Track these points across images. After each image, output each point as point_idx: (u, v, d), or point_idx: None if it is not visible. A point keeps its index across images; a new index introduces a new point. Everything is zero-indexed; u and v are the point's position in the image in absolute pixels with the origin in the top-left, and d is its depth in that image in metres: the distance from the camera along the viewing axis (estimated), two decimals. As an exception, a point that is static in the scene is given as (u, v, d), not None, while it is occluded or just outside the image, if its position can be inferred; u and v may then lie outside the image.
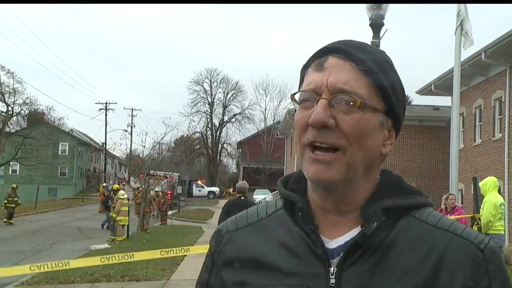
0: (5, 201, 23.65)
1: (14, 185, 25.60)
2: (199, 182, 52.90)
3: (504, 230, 8.86)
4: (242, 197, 7.62)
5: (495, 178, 8.84)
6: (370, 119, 0.91)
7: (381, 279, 0.88)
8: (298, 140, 0.94)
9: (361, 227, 0.93)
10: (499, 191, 8.73)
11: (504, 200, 15.94)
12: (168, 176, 30.44)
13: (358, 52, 0.93)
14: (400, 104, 0.97)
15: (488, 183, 8.46)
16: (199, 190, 50.84)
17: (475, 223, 8.67)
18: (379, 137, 0.94)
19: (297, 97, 0.96)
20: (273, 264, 0.94)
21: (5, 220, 23.22)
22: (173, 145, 46.74)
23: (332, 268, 0.91)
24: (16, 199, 24.05)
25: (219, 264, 1.02)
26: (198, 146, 64.38)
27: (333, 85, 0.90)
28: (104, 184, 36.00)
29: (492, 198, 8.27)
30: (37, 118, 48.05)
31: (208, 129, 63.10)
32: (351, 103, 0.89)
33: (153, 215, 26.99)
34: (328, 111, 0.89)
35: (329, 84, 0.90)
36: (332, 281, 0.90)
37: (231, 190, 48.74)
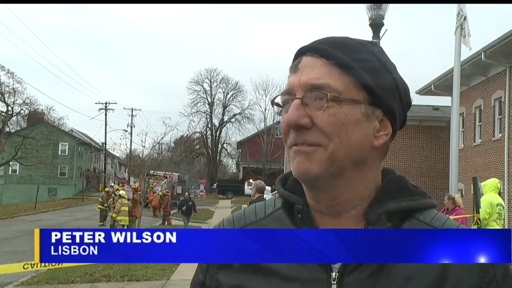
0: (106, 205, 22.91)
1: (107, 189, 25.44)
2: (250, 180, 53.16)
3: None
4: (265, 197, 7.66)
5: (497, 180, 8.81)
6: (348, 112, 0.88)
7: (384, 285, 0.86)
8: (285, 143, 0.93)
9: None
10: (499, 194, 8.71)
11: (504, 200, 16.02)
12: (168, 176, 30.44)
13: (330, 47, 0.91)
14: (389, 92, 0.92)
15: (489, 184, 8.47)
16: (251, 188, 50.81)
17: (475, 222, 8.68)
18: (366, 129, 0.90)
19: (278, 101, 0.95)
20: (272, 268, 0.91)
21: (102, 223, 22.65)
22: (173, 145, 46.74)
23: (333, 273, 0.88)
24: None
25: (215, 265, 0.99)
26: (198, 146, 64.36)
27: (305, 83, 0.89)
28: (112, 185, 35.21)
29: (488, 197, 8.28)
30: (37, 118, 48.00)
31: (208, 129, 63.12)
32: (323, 99, 0.87)
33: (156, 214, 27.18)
34: (302, 111, 0.88)
35: (301, 83, 0.89)
36: (334, 287, 0.88)
37: None
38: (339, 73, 0.89)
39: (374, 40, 11.10)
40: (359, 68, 0.90)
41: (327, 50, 0.91)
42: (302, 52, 0.94)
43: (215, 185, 53.96)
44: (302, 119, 0.88)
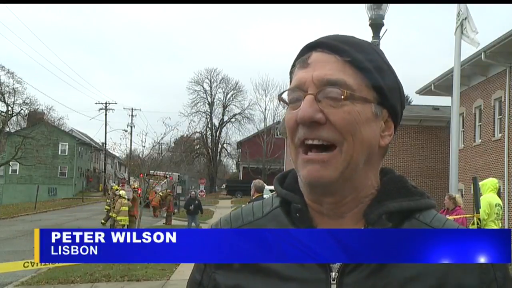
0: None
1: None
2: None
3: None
4: (265, 196, 7.57)
5: (495, 179, 8.83)
6: (361, 110, 0.87)
7: (384, 285, 0.86)
8: (291, 141, 0.91)
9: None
10: (499, 194, 8.67)
11: (504, 200, 16.02)
12: (168, 176, 30.42)
13: (342, 44, 0.90)
14: (394, 93, 0.93)
15: (487, 184, 8.46)
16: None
17: (472, 222, 8.67)
18: (375, 128, 0.90)
19: (285, 97, 0.93)
20: (270, 268, 0.90)
21: (104, 221, 21.86)
22: (173, 145, 46.73)
23: (333, 274, 0.88)
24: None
25: (212, 265, 0.98)
26: (198, 146, 64.33)
27: (320, 78, 0.87)
28: (112, 185, 33.86)
29: (488, 198, 8.27)
30: (37, 118, 47.99)
31: (208, 129, 63.11)
32: (339, 95, 0.86)
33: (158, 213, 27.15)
34: (315, 106, 0.86)
35: (314, 78, 0.88)
36: (333, 287, 0.87)
37: None
38: (352, 71, 0.88)
39: (374, 40, 11.13)
40: (371, 67, 0.89)
41: (339, 46, 0.90)
42: (311, 47, 0.92)
43: (224, 185, 53.89)
44: (317, 115, 0.86)
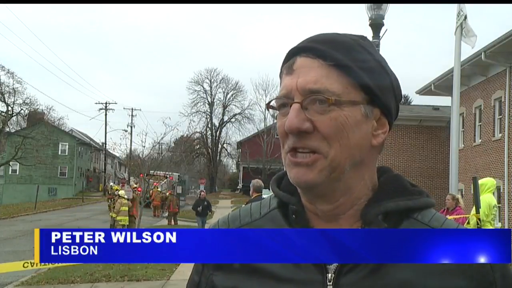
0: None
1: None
2: None
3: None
4: (263, 196, 7.55)
5: (494, 180, 8.87)
6: (349, 114, 0.86)
7: (381, 286, 0.85)
8: (282, 147, 0.91)
9: None
10: (498, 194, 8.71)
11: (504, 200, 16.03)
12: (168, 176, 30.42)
13: (325, 47, 0.88)
14: (386, 91, 0.91)
15: (487, 184, 8.48)
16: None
17: (467, 222, 8.68)
18: (365, 129, 0.89)
19: (274, 104, 0.92)
20: (267, 269, 0.90)
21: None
22: (173, 145, 46.72)
23: (329, 275, 0.87)
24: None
25: (210, 267, 0.98)
26: (198, 146, 64.34)
27: (303, 87, 0.86)
28: (111, 185, 33.25)
29: (487, 198, 8.29)
30: (37, 118, 48.04)
31: (208, 129, 63.13)
32: (324, 102, 0.85)
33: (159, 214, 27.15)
34: (302, 115, 0.85)
35: (298, 86, 0.86)
36: None
37: None
38: (337, 74, 0.87)
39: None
40: (357, 68, 0.87)
41: (323, 50, 0.88)
42: (296, 52, 0.91)
43: (240, 185, 54.33)
44: (304, 124, 0.85)
